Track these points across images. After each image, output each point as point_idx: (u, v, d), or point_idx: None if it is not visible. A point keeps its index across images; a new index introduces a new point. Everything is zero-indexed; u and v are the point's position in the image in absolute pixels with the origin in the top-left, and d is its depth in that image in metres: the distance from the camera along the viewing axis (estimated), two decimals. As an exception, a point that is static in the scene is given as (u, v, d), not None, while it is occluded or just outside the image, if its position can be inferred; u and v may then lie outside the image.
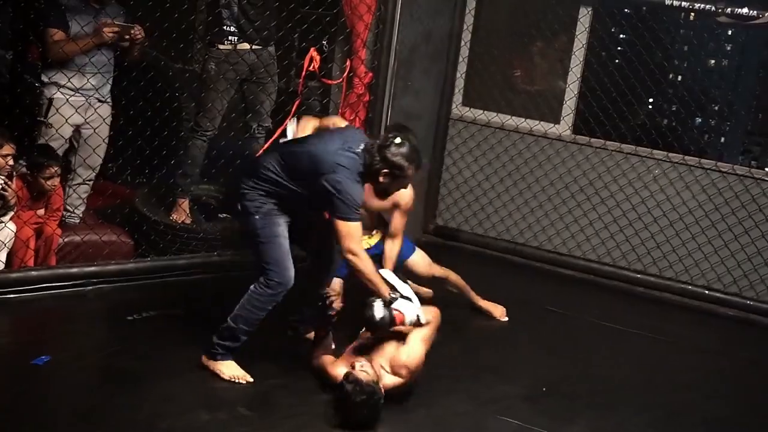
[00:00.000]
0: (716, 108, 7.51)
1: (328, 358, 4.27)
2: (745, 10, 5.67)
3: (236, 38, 5.34)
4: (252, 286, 4.18)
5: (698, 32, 7.40)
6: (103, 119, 5.32)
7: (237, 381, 4.19)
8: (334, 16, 5.86)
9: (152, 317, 4.83)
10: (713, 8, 5.77)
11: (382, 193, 4.18)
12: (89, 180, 5.47)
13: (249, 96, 5.60)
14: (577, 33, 6.28)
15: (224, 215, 5.78)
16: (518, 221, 6.52)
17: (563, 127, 6.40)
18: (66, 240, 5.21)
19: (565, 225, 6.39)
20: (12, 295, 4.81)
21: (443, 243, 6.56)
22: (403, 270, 5.03)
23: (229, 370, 4.21)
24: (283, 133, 4.75)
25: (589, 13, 6.23)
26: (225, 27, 5.32)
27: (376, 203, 4.54)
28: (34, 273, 4.93)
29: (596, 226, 6.30)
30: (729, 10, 5.72)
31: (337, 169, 3.97)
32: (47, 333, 4.63)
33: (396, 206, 4.83)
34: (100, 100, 5.30)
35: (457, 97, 6.61)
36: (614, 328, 5.51)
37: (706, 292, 6.00)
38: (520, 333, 5.27)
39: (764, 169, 6.09)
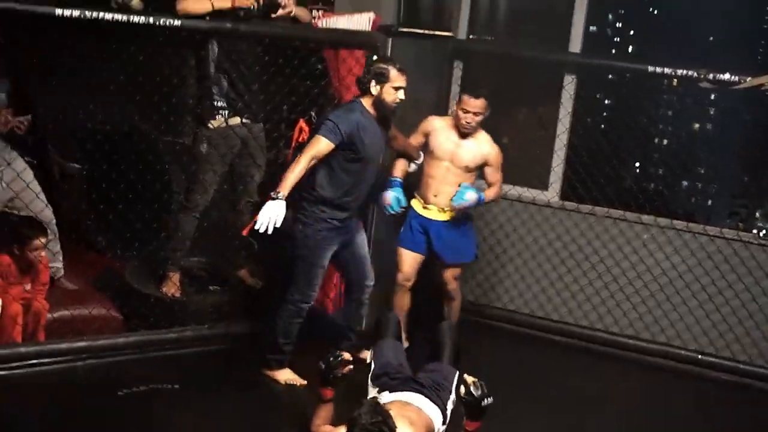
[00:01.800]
0: (702, 171, 7.56)
1: (327, 428, 4.14)
2: (726, 76, 5.76)
3: (227, 112, 5.39)
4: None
5: (681, 97, 7.49)
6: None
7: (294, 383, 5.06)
8: (323, 87, 5.90)
9: (143, 392, 4.78)
10: (695, 74, 5.85)
11: (388, 111, 4.98)
12: (52, 234, 5.36)
13: (239, 169, 5.63)
14: (562, 100, 6.35)
15: (214, 287, 5.76)
16: (509, 288, 6.51)
17: (551, 194, 6.43)
18: (55, 315, 5.16)
19: (556, 291, 6.39)
20: (1, 372, 4.75)
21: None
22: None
23: (284, 375, 5.10)
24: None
25: (574, 80, 6.30)
26: (215, 102, 5.37)
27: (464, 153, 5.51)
28: (22, 349, 4.88)
29: (587, 291, 6.30)
30: (711, 75, 5.80)
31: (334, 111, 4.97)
32: (37, 409, 4.58)
33: (486, 163, 5.59)
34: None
35: (446, 165, 6.64)
36: (611, 395, 5.49)
37: (699, 356, 5.99)
38: (518, 402, 5.17)
39: (752, 232, 6.10)
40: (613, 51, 7.71)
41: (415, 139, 5.64)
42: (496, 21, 7.17)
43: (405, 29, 5.95)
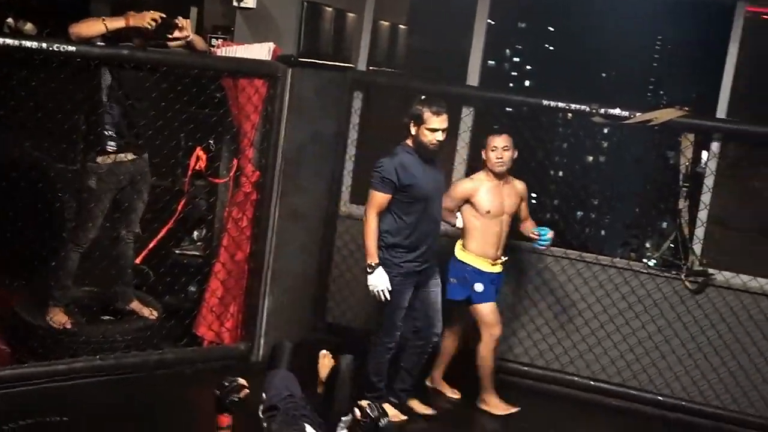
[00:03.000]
0: (596, 203, 7.75)
1: None
2: (617, 111, 5.94)
3: (116, 144, 5.28)
4: None
5: (576, 131, 7.69)
6: None
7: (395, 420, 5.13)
8: (221, 116, 5.88)
9: (30, 426, 4.62)
10: (588, 109, 6.02)
11: (428, 152, 5.06)
12: None
13: (124, 203, 5.51)
14: (460, 132, 6.45)
15: (107, 317, 5.64)
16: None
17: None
18: (-63, 348, 4.99)
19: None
20: None
21: (333, 340, 6.51)
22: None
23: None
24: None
25: (471, 112, 6.41)
26: (106, 132, 5.26)
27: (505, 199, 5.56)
28: None
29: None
30: (602, 110, 5.97)
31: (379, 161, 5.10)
32: None
33: (522, 199, 5.67)
34: None
35: (345, 195, 6.67)
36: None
37: (591, 383, 6.13)
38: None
39: (642, 261, 6.26)
40: (511, 85, 7.89)
41: (449, 204, 5.55)
42: (396, 52, 7.28)
43: (305, 59, 5.98)
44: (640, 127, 5.96)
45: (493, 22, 6.64)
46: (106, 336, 5.40)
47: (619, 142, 7.41)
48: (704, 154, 6.06)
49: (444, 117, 5.05)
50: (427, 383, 5.89)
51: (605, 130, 7.45)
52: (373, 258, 5.03)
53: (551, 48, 7.74)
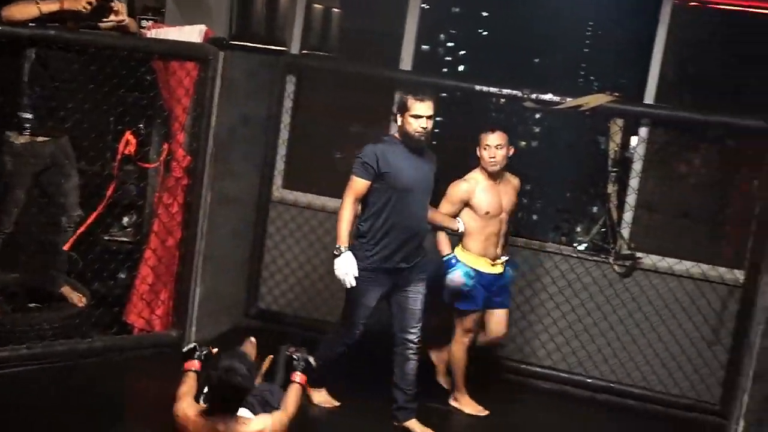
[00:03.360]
0: (528, 187, 7.81)
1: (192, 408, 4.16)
2: (548, 96, 6.00)
3: (31, 126, 5.15)
4: None
5: (509, 116, 7.72)
6: None
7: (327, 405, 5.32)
8: (152, 99, 5.79)
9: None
10: (520, 94, 6.06)
11: (413, 141, 4.90)
12: None
13: (51, 188, 5.40)
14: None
15: (34, 305, 5.53)
16: (340, 303, 6.52)
17: (383, 208, 6.50)
18: None
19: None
20: None
21: (266, 327, 6.48)
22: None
23: (318, 397, 5.29)
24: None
25: (405, 97, 6.41)
26: (23, 113, 5.13)
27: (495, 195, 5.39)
28: None
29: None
30: (534, 95, 6.03)
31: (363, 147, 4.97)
32: None
33: (515, 189, 5.55)
34: None
35: (278, 180, 6.63)
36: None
37: (523, 366, 6.20)
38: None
39: (572, 246, 6.35)
40: (445, 70, 7.88)
41: (449, 209, 5.39)
42: (330, 36, 7.23)
43: (237, 42, 5.90)
44: (570, 112, 6.03)
45: (427, 7, 6.65)
46: (33, 324, 5.30)
47: (550, 128, 7.44)
48: (633, 140, 6.17)
49: (429, 104, 4.87)
50: (451, 403, 5.69)
51: (537, 116, 7.50)
52: (342, 242, 4.85)
53: (485, 33, 7.74)
